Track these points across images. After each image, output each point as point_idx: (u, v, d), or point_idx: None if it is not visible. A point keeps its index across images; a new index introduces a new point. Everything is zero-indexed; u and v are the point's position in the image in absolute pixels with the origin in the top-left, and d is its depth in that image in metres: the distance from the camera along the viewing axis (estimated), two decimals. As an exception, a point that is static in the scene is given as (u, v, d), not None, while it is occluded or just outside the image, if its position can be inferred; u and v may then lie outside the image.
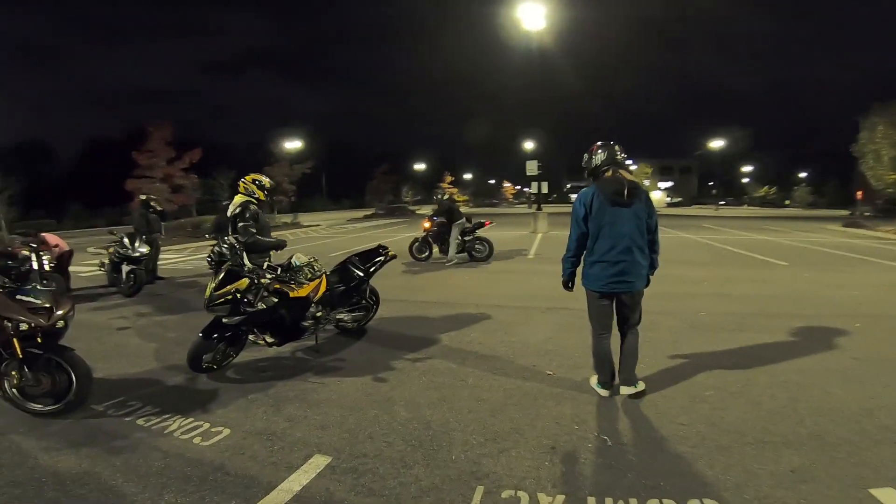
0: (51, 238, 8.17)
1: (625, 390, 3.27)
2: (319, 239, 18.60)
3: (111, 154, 23.81)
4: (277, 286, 3.92)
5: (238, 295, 3.67)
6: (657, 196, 56.34)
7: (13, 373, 3.15)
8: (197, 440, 2.90)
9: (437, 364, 4.08)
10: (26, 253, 7.14)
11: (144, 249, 8.10)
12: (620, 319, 3.27)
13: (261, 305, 3.81)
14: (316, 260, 4.41)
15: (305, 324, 4.10)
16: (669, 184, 76.30)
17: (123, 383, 3.83)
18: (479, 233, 10.20)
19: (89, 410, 3.29)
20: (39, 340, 3.20)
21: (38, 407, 3.19)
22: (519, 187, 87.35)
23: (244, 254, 4.03)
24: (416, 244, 10.16)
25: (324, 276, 4.33)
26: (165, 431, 3.02)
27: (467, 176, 77.66)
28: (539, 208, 18.51)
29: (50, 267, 7.31)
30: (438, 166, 64.41)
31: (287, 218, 29.48)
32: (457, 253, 9.63)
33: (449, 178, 61.63)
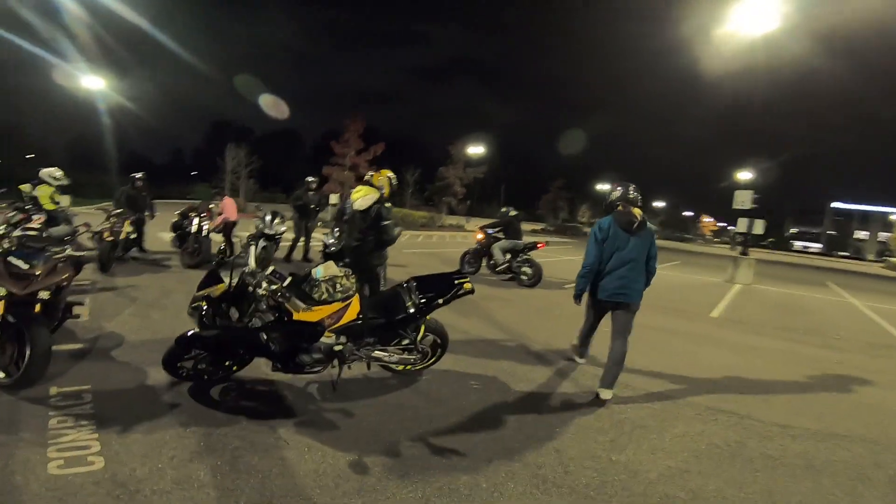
0: (229, 205, 9.09)
1: (603, 393, 3.51)
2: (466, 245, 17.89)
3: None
4: (280, 301, 2.88)
5: (204, 304, 2.80)
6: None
7: None
8: (55, 464, 2.18)
9: (461, 479, 2.41)
10: (193, 216, 8.05)
11: (282, 228, 8.30)
12: (616, 328, 3.64)
13: (254, 321, 2.87)
14: (348, 276, 3.18)
15: (306, 358, 2.97)
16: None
17: (116, 369, 3.34)
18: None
19: (42, 391, 2.83)
20: (37, 309, 2.94)
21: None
22: (723, 224, 74.63)
23: (252, 252, 3.20)
24: (468, 256, 9.39)
25: (354, 299, 3.13)
26: (51, 442, 2.34)
27: (657, 204, 69.14)
28: (745, 252, 14.38)
29: (208, 232, 8.05)
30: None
31: (455, 220, 30.08)
32: (500, 272, 8.77)
33: (636, 203, 55.75)
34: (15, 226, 6.98)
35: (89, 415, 2.62)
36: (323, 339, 2.95)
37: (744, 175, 25.80)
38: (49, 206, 8.10)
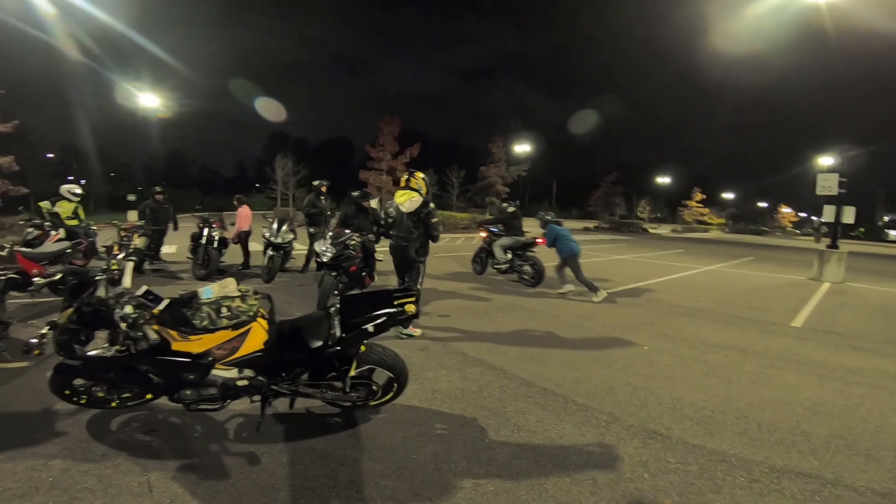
0: (243, 213, 8.76)
1: (595, 296, 7.02)
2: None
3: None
4: (156, 327, 2.26)
5: (46, 329, 2.27)
6: None
7: None
8: None
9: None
10: (203, 227, 7.75)
11: (290, 237, 7.80)
12: (573, 267, 7.23)
13: (122, 349, 2.24)
14: (253, 295, 2.50)
15: (189, 394, 2.34)
16: None
17: (35, 390, 2.96)
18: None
19: None
20: None
21: None
22: (804, 215, 67.64)
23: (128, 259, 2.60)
24: (476, 256, 9.26)
25: (256, 323, 2.39)
26: None
27: (727, 195, 63.76)
28: (834, 244, 12.28)
29: (216, 240, 7.71)
30: (687, 181, 54.55)
31: (500, 221, 28.97)
32: (504, 271, 8.64)
33: (698, 196, 51.64)
34: (30, 243, 6.99)
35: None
36: (219, 372, 2.29)
37: (825, 160, 22.78)
38: (71, 223, 8.17)
